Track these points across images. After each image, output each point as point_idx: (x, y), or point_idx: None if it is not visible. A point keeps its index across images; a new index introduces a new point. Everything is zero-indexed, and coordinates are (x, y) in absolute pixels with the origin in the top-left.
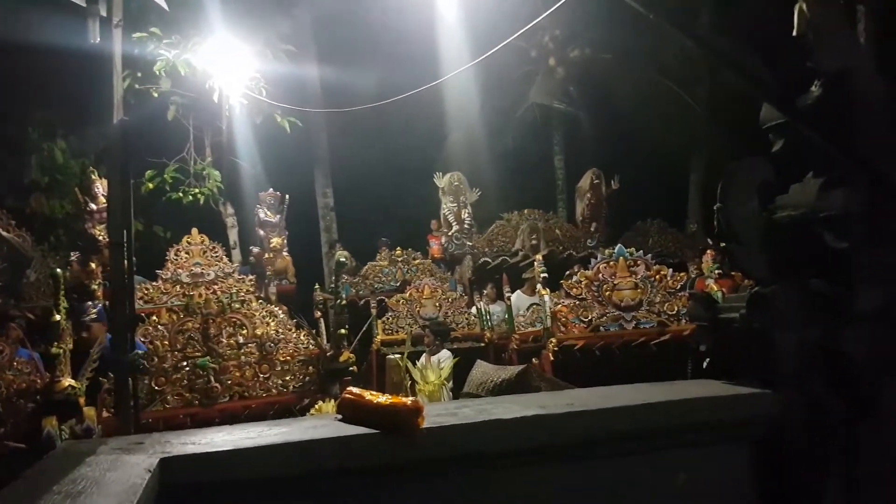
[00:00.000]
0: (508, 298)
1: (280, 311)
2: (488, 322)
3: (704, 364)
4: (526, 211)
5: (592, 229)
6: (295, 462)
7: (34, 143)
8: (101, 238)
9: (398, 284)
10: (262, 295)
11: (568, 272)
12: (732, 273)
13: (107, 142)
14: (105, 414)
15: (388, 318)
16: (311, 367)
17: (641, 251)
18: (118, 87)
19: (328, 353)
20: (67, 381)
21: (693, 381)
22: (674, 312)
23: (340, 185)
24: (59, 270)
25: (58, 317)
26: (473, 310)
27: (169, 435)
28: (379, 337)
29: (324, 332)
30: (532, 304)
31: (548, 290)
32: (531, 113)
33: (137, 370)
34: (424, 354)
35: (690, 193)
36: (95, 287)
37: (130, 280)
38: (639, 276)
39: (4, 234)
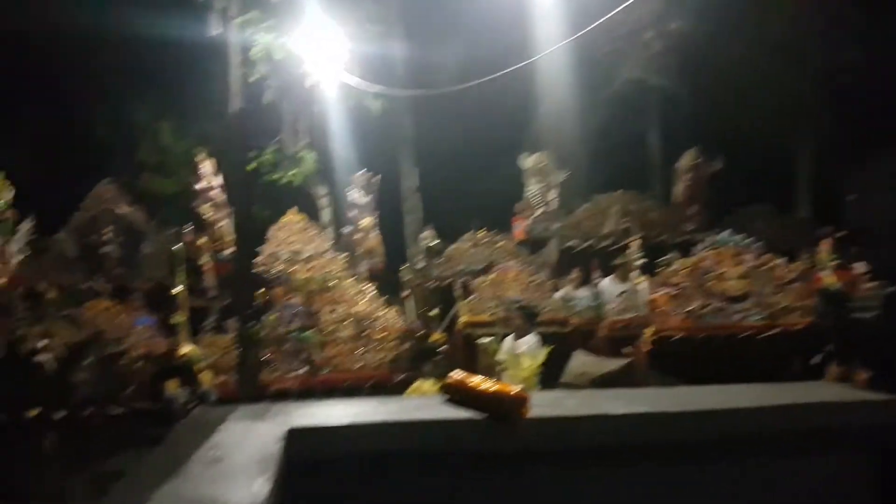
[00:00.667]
0: (597, 284)
1: (370, 290)
2: (574, 308)
3: (814, 361)
4: (617, 193)
5: (690, 213)
6: (406, 440)
7: (145, 125)
8: (208, 216)
9: (482, 266)
10: (352, 273)
11: (664, 258)
12: (850, 265)
13: (226, 130)
14: (219, 379)
15: (472, 300)
16: (403, 345)
17: (752, 238)
18: (236, 77)
19: (420, 333)
20: (186, 349)
21: (811, 383)
22: (784, 306)
23: (425, 165)
24: (179, 247)
25: (177, 289)
26: (558, 294)
27: (290, 406)
28: (464, 318)
29: (410, 311)
30: (623, 292)
31: (643, 277)
32: (625, 89)
33: (258, 343)
34: (509, 337)
35: (799, 177)
36: (204, 262)
37: (252, 260)
38: (746, 266)
39: (123, 210)
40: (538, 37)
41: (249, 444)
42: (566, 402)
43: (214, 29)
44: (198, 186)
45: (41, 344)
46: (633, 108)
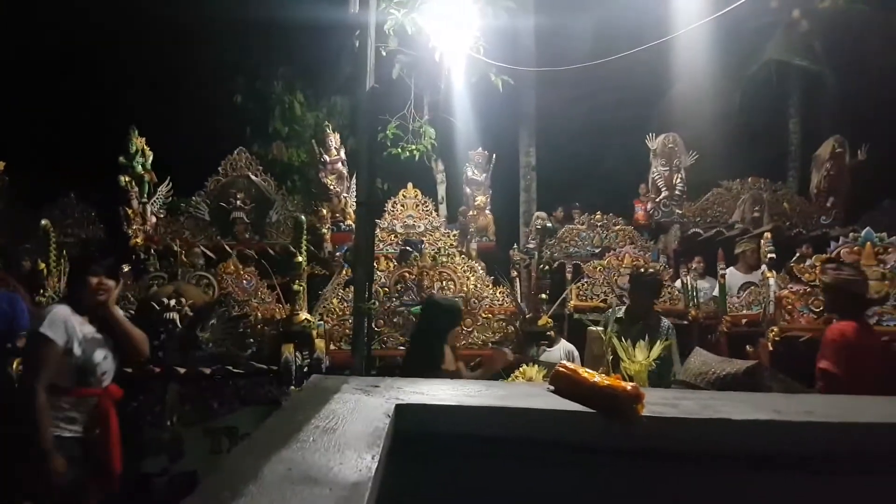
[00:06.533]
0: (722, 276)
1: (479, 268)
2: (694, 299)
3: None
4: (750, 179)
5: (828, 205)
6: (512, 425)
7: (277, 95)
8: (331, 187)
9: (596, 250)
10: (463, 250)
11: (797, 253)
12: None
13: (358, 106)
14: (332, 347)
15: (583, 284)
16: (509, 327)
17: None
18: (371, 55)
19: (527, 316)
20: (304, 315)
21: None
22: None
23: (544, 143)
24: (303, 217)
25: (300, 258)
26: (678, 284)
27: (399, 381)
28: (573, 303)
29: (518, 292)
30: (747, 284)
31: (773, 271)
32: (766, 70)
33: (371, 316)
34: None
35: None
36: (325, 231)
37: (372, 235)
38: (888, 266)
39: (253, 177)
40: (678, 9)
41: (360, 416)
42: (683, 402)
43: (353, 7)
44: (326, 158)
45: (172, 302)
46: (774, 90)
